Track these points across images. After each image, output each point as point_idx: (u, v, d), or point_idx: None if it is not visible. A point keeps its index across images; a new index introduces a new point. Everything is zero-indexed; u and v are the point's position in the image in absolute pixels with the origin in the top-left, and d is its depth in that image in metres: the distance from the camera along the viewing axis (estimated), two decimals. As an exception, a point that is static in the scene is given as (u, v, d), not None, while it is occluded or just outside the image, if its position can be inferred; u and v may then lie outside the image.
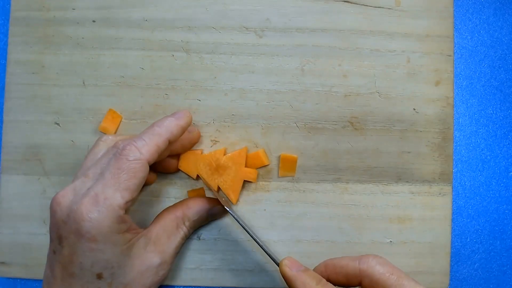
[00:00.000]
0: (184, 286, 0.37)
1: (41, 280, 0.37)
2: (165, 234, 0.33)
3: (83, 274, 0.28)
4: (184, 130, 0.32)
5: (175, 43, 0.37)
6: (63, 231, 0.28)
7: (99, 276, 0.29)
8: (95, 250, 0.28)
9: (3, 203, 0.37)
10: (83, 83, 0.37)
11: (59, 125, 0.37)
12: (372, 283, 0.28)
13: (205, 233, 0.37)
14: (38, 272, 0.36)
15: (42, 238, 0.36)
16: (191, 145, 0.36)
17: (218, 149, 0.36)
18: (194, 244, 0.37)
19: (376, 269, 0.28)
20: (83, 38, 0.37)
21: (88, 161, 0.32)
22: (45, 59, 0.37)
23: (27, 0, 0.37)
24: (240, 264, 0.36)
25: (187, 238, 0.36)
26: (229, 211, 0.33)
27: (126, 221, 0.29)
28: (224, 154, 0.36)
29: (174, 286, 0.37)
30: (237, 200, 0.36)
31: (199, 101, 0.37)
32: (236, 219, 0.33)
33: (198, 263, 0.36)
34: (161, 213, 0.34)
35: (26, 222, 0.37)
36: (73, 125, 0.37)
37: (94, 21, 0.37)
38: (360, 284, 0.29)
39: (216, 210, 0.35)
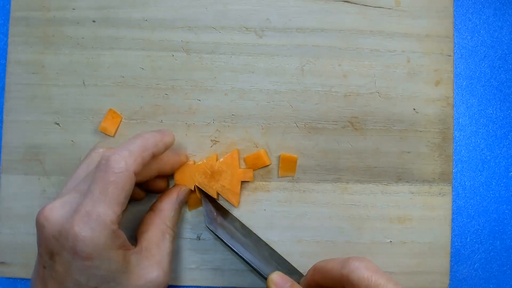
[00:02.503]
0: (184, 286, 0.37)
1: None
2: (154, 244, 0.32)
3: None
4: (167, 147, 0.32)
5: (175, 43, 0.37)
6: (54, 248, 0.28)
7: None
8: (90, 267, 0.27)
9: (3, 203, 0.37)
10: (83, 83, 0.37)
11: (59, 125, 0.37)
12: None
13: (205, 233, 0.37)
14: (38, 272, 0.36)
15: (42, 238, 0.36)
16: (179, 166, 0.35)
17: (210, 156, 0.36)
18: (194, 244, 0.37)
19: (356, 274, 0.27)
20: (83, 38, 0.37)
21: (80, 173, 0.31)
22: (45, 59, 0.37)
23: (27, 0, 0.37)
24: (240, 264, 0.36)
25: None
26: (211, 229, 0.34)
27: (120, 236, 0.29)
28: (217, 160, 0.36)
29: (174, 286, 0.37)
30: (239, 203, 0.36)
31: (199, 101, 0.37)
32: (218, 236, 0.34)
33: (198, 263, 0.36)
34: (140, 228, 0.33)
35: (26, 222, 0.36)
36: (73, 125, 0.37)
37: (94, 21, 0.37)
38: None
39: (182, 194, 0.35)
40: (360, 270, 0.27)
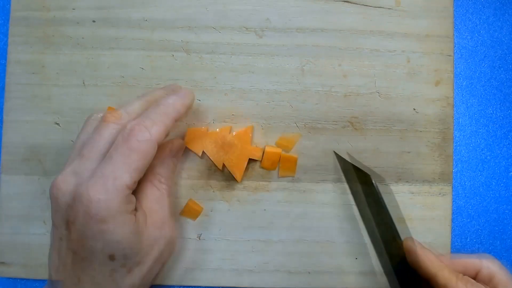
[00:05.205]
0: (184, 286, 0.37)
1: (41, 280, 0.37)
2: (153, 201, 0.32)
3: (95, 257, 0.28)
4: (188, 108, 0.32)
5: (175, 43, 0.37)
6: (69, 216, 0.28)
7: (112, 258, 0.28)
8: (105, 231, 0.27)
9: (3, 203, 0.37)
10: (83, 83, 0.37)
11: (59, 125, 0.37)
12: (490, 276, 0.31)
13: (205, 233, 0.37)
14: (38, 272, 0.36)
15: (42, 238, 0.36)
16: (187, 109, 0.32)
17: (224, 127, 0.36)
18: (194, 244, 0.37)
19: (497, 264, 0.32)
20: (83, 38, 0.37)
21: (80, 140, 0.31)
22: (45, 59, 0.37)
23: (27, 0, 0.37)
24: (240, 264, 0.36)
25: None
26: None
27: (132, 201, 0.29)
28: (230, 132, 0.36)
29: (174, 286, 0.37)
30: (241, 178, 0.36)
31: (199, 101, 0.37)
32: None
33: (198, 263, 0.36)
34: (138, 187, 0.32)
35: (26, 222, 0.37)
36: (73, 125, 0.37)
37: (94, 21, 0.37)
38: (475, 275, 0.32)
39: (176, 148, 0.34)
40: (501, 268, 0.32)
